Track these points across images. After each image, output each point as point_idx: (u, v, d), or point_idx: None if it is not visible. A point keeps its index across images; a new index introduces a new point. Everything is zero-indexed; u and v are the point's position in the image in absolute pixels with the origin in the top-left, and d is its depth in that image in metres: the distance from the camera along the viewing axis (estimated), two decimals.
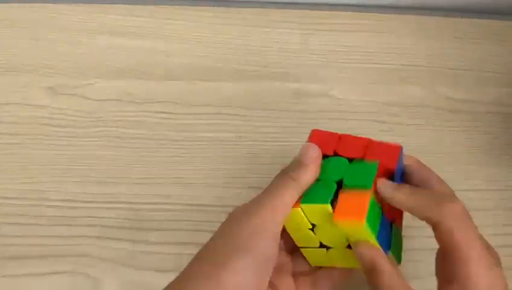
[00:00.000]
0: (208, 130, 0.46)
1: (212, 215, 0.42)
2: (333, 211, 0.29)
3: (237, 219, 0.30)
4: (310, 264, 0.34)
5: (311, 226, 0.31)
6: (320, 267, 0.34)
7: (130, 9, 0.52)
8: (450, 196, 0.30)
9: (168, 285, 0.29)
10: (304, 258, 0.34)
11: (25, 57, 0.48)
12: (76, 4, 0.52)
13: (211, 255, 0.29)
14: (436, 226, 0.29)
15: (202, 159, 0.44)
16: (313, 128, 0.34)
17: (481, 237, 0.29)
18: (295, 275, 0.33)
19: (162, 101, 0.47)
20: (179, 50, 0.50)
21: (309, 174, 0.31)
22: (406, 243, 0.35)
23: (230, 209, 0.42)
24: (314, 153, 0.32)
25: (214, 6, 0.53)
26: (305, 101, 0.48)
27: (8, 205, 0.41)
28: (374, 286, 0.29)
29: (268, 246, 0.29)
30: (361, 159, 0.32)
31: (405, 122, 0.47)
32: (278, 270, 0.32)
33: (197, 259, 0.30)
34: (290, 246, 0.34)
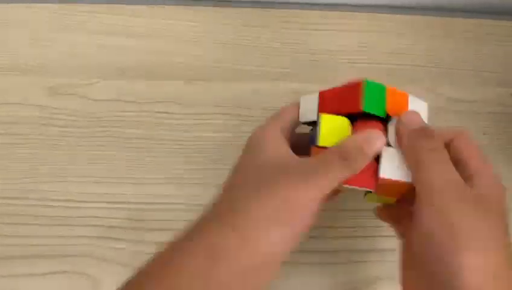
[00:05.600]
0: (208, 130, 0.46)
1: None
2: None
3: (276, 183, 0.29)
4: None
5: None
6: None
7: (130, 9, 0.52)
8: None
9: (191, 232, 0.30)
10: None
11: (25, 57, 0.48)
12: (77, 4, 0.52)
13: (244, 219, 0.28)
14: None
15: (202, 159, 0.44)
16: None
17: None
18: None
19: (162, 101, 0.47)
20: (179, 50, 0.50)
21: (366, 162, 0.30)
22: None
23: None
24: (380, 145, 0.30)
25: (213, 6, 0.53)
26: None
27: (8, 205, 0.42)
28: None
29: (304, 222, 0.29)
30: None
31: None
32: None
33: (231, 216, 0.29)
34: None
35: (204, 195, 0.42)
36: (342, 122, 0.31)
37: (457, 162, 0.30)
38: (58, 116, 0.46)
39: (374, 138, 0.30)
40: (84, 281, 0.39)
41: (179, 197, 0.43)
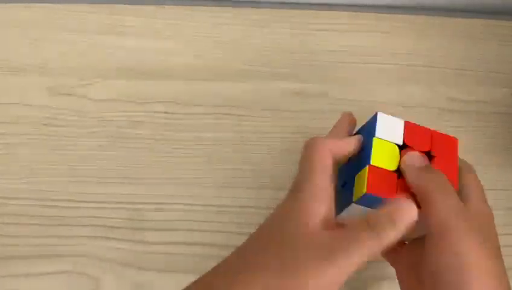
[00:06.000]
0: (208, 130, 0.46)
1: (212, 216, 0.42)
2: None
3: (306, 267, 0.26)
4: None
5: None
6: None
7: (130, 9, 0.52)
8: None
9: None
10: None
11: (25, 57, 0.48)
12: (77, 4, 0.52)
13: None
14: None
15: (202, 159, 0.44)
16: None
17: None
18: None
19: (162, 101, 0.47)
20: (179, 50, 0.50)
21: (396, 237, 0.27)
22: None
23: (230, 210, 0.42)
24: (412, 217, 0.27)
25: (214, 6, 0.53)
26: (305, 101, 0.48)
27: (8, 205, 0.42)
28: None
29: None
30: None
31: None
32: None
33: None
34: None
35: (204, 195, 0.43)
36: (393, 148, 0.33)
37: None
38: (58, 116, 0.46)
39: (405, 208, 0.27)
40: (84, 281, 0.39)
41: (179, 197, 0.43)
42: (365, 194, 0.31)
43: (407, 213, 0.27)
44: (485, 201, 0.32)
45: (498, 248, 0.30)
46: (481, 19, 0.54)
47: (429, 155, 0.33)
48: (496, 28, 0.54)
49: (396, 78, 0.50)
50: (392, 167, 0.33)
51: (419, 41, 0.52)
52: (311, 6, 0.54)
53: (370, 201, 0.32)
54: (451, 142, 0.34)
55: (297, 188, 0.30)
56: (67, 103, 0.46)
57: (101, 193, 0.42)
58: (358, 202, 0.32)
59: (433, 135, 0.34)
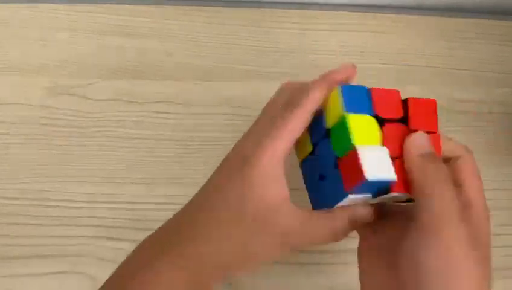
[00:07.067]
0: (208, 130, 0.46)
1: None
2: None
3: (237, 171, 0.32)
4: None
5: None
6: None
7: (130, 9, 0.52)
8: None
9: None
10: None
11: (25, 57, 0.48)
12: (77, 4, 0.52)
13: (222, 205, 0.32)
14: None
15: (202, 159, 0.44)
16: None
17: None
18: None
19: (162, 101, 0.47)
20: (179, 50, 0.50)
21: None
22: None
23: None
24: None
25: (213, 6, 0.53)
26: None
27: (8, 205, 0.42)
28: None
29: (275, 196, 0.30)
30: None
31: None
32: None
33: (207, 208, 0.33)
34: None
35: None
36: (369, 120, 0.30)
37: (456, 184, 0.30)
38: (58, 116, 0.46)
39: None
40: (84, 281, 0.39)
41: (179, 197, 0.42)
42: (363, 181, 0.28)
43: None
44: (484, 205, 0.30)
45: (487, 257, 0.29)
46: (481, 19, 0.54)
47: (403, 121, 0.31)
48: (495, 27, 0.54)
49: (396, 78, 0.50)
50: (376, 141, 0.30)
51: (419, 41, 0.52)
52: (311, 6, 0.54)
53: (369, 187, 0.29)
54: (429, 105, 0.31)
55: None
56: (67, 103, 0.46)
57: (101, 193, 0.42)
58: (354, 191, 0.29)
59: (408, 100, 0.31)
